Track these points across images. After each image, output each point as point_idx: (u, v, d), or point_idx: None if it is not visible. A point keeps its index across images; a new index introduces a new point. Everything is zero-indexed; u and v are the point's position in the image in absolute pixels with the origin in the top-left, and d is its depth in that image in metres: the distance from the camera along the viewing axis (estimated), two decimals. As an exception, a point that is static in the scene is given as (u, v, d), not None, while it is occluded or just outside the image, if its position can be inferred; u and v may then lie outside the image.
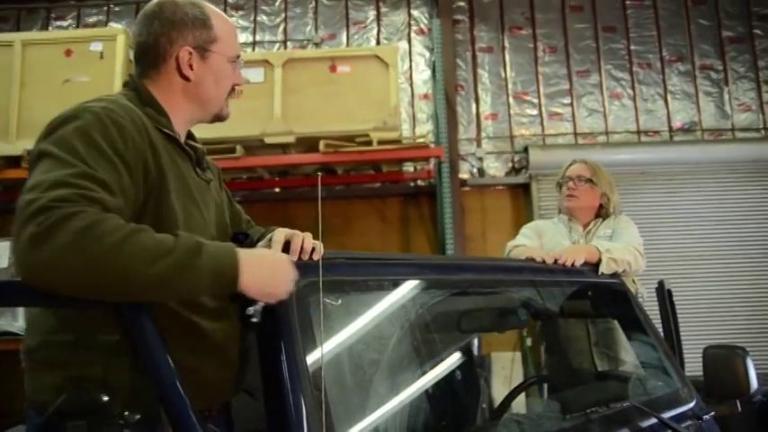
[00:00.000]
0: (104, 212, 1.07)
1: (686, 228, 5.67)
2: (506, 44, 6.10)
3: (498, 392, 5.59)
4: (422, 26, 6.18)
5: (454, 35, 6.05)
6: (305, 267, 1.27)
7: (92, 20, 6.30)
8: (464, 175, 5.90)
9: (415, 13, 6.22)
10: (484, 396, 1.93)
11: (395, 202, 5.97)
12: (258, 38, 6.22)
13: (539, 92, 5.98)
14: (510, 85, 6.02)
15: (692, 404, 1.87)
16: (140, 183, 1.22)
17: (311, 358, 1.13)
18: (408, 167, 5.95)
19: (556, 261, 2.01)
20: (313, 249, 1.33)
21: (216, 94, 1.45)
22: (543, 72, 6.03)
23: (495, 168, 5.94)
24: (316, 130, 4.93)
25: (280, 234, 1.33)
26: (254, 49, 6.11)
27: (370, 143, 4.92)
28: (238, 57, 1.48)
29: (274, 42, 6.21)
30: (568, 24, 6.10)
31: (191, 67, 1.39)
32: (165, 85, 1.40)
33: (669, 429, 1.62)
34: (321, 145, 4.92)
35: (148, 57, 1.40)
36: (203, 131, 5.32)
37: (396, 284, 1.41)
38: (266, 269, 1.19)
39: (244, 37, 6.22)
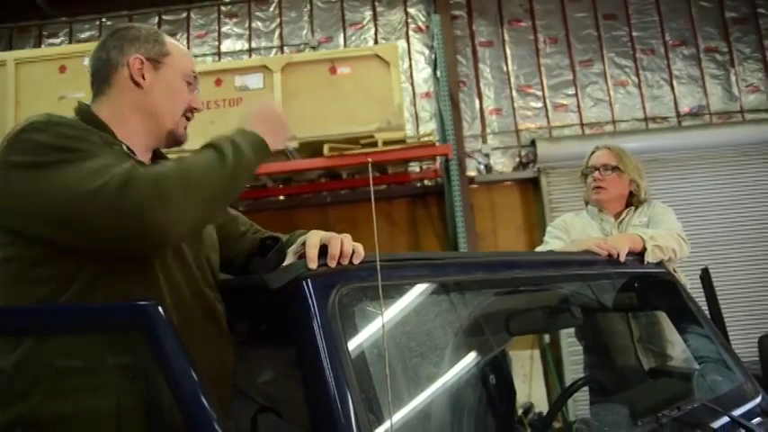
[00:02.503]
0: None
1: (699, 214, 5.57)
2: (506, 37, 6.00)
3: (520, 392, 5.49)
4: (419, 24, 6.08)
5: (453, 31, 5.96)
6: (345, 273, 1.15)
7: (84, 35, 6.18)
8: (471, 173, 5.80)
9: (411, 11, 6.12)
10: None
11: (402, 204, 5.86)
12: (254, 44, 6.12)
13: (542, 84, 5.89)
14: (513, 79, 5.92)
15: (758, 399, 1.74)
16: None
17: (360, 375, 1.01)
18: (414, 168, 5.85)
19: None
20: (353, 253, 1.22)
21: (168, 108, 1.44)
22: (545, 64, 5.93)
23: (503, 164, 5.83)
24: (319, 134, 4.81)
25: (315, 237, 1.22)
26: (250, 56, 6.01)
27: (375, 144, 4.81)
28: (195, 79, 1.50)
29: (271, 48, 6.10)
30: (568, 14, 6.01)
31: (142, 76, 1.40)
32: (115, 97, 1.40)
33: (742, 429, 1.50)
34: (325, 149, 4.81)
35: (101, 72, 1.42)
36: (201, 142, 5.18)
37: (445, 286, 1.30)
38: (269, 125, 1.39)
39: (240, 44, 6.13)
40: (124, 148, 1.33)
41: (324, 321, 1.05)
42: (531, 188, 5.70)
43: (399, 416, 1.06)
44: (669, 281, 2.02)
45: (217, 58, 6.08)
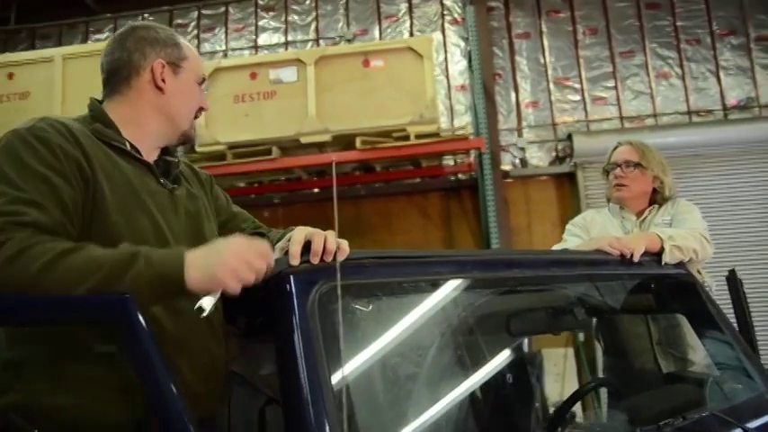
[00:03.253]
0: (36, 235, 1.10)
1: (744, 212, 5.35)
2: (544, 29, 5.87)
3: (552, 391, 5.39)
4: (455, 16, 6.01)
5: (489, 23, 5.87)
6: (327, 270, 1.15)
7: (127, 30, 6.36)
8: (506, 167, 5.72)
9: (447, 2, 6.06)
10: (535, 403, 1.77)
11: (436, 197, 5.83)
12: (290, 38, 6.17)
13: (580, 76, 5.74)
14: (550, 71, 5.79)
15: (782, 410, 1.66)
16: (81, 186, 1.23)
17: (335, 371, 1.01)
18: (449, 161, 5.81)
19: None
20: (338, 249, 1.21)
21: (185, 111, 1.48)
22: (584, 55, 5.78)
23: (539, 158, 5.73)
24: (351, 128, 4.83)
25: (300, 233, 1.23)
26: (286, 49, 6.06)
27: (407, 138, 4.79)
28: (204, 80, 1.53)
29: (306, 41, 6.14)
30: (609, 4, 5.83)
31: (164, 80, 1.43)
32: (135, 98, 1.42)
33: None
34: (358, 142, 4.82)
35: (121, 72, 1.42)
36: (236, 135, 5.23)
37: (434, 285, 1.28)
38: (211, 257, 1.12)
39: (276, 38, 6.19)
40: (127, 146, 1.37)
41: (302, 317, 1.06)
42: (567, 183, 5.58)
43: (369, 413, 1.06)
44: (689, 282, 1.94)
45: (254, 51, 6.16)
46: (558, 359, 5.35)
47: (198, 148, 4.89)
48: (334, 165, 1.49)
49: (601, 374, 2.46)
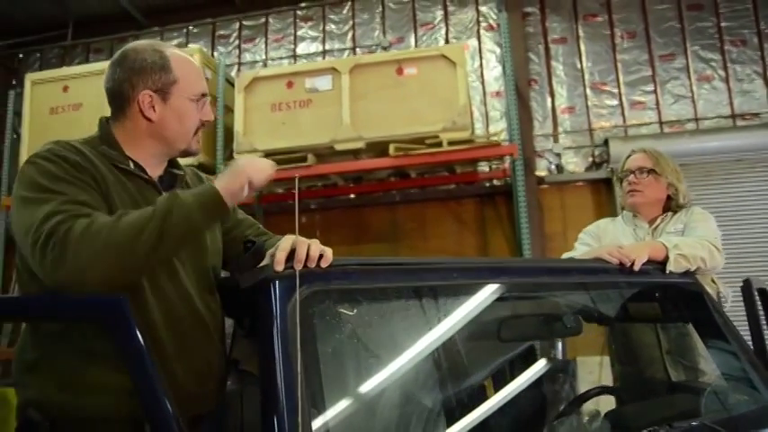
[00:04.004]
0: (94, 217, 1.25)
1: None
2: (581, 33, 5.82)
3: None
4: (491, 22, 6.02)
5: (525, 28, 5.85)
6: (310, 276, 1.22)
7: (173, 42, 6.64)
8: (541, 173, 5.68)
9: (483, 9, 6.07)
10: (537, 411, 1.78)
11: (471, 204, 5.84)
12: (328, 47, 6.31)
13: (618, 81, 5.66)
14: (587, 76, 5.73)
15: (786, 425, 1.63)
16: (100, 196, 1.36)
17: (311, 367, 1.09)
18: (483, 167, 5.81)
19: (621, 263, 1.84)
20: (321, 256, 1.28)
21: (180, 132, 1.54)
22: (622, 59, 5.69)
23: (575, 164, 5.67)
24: (385, 135, 4.91)
25: (286, 241, 1.30)
26: (323, 58, 6.20)
27: (440, 144, 4.84)
28: (203, 95, 1.56)
29: (343, 50, 6.27)
30: (648, 7, 5.73)
31: (153, 108, 1.48)
32: (130, 126, 1.50)
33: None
34: (391, 149, 4.90)
35: (115, 101, 1.51)
36: (273, 143, 5.40)
37: (414, 291, 1.34)
38: (234, 171, 1.37)
39: (314, 47, 6.34)
40: (130, 165, 1.48)
41: (283, 319, 1.13)
42: (603, 189, 5.50)
43: (340, 411, 1.13)
44: (695, 291, 1.92)
45: (292, 60, 6.32)
46: (593, 367, 5.26)
47: (236, 156, 5.06)
48: (297, 180, 1.56)
49: (605, 381, 2.45)
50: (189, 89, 1.52)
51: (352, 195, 6.08)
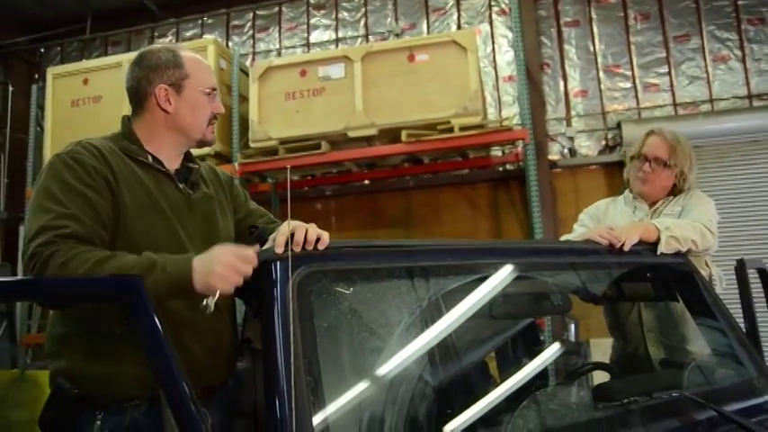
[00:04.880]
0: (77, 245, 1.36)
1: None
2: (594, 15, 5.79)
3: (599, 379, 5.35)
4: (503, 6, 6.01)
5: (537, 12, 5.84)
6: (308, 258, 1.31)
7: (189, 34, 6.75)
8: (554, 157, 5.70)
9: (495, -7, 6.07)
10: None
11: (484, 188, 5.88)
12: (340, 34, 6.36)
13: (631, 63, 5.63)
14: (600, 59, 5.71)
15: (769, 396, 1.68)
16: (110, 197, 1.48)
17: (308, 345, 1.17)
18: (496, 152, 5.84)
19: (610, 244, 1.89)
20: (319, 240, 1.37)
21: (194, 123, 1.67)
22: (636, 41, 5.66)
23: (588, 147, 5.67)
24: (397, 121, 4.95)
25: (286, 226, 1.38)
26: (336, 46, 6.25)
27: (451, 130, 4.88)
28: (214, 89, 1.70)
29: (356, 37, 6.31)
30: (662, -13, 5.68)
31: (169, 101, 1.62)
32: (149, 119, 1.64)
33: (733, 423, 1.47)
34: (403, 135, 4.95)
35: (135, 98, 1.66)
36: (287, 131, 5.49)
37: (406, 272, 1.41)
38: (206, 266, 1.31)
39: (327, 35, 6.40)
40: (149, 159, 1.61)
41: (283, 297, 1.22)
42: (616, 172, 5.49)
43: (336, 381, 1.22)
44: (686, 271, 1.97)
45: (306, 49, 6.39)
46: (606, 349, 5.28)
47: (251, 144, 5.16)
48: (289, 170, 1.63)
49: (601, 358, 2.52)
50: (200, 83, 1.67)
51: (367, 181, 6.16)
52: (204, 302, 1.27)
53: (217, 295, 1.29)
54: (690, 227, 2.07)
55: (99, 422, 1.42)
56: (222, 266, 1.28)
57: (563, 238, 2.44)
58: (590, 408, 1.46)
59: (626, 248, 1.90)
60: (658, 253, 1.97)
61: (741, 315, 2.01)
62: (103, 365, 1.44)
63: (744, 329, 1.92)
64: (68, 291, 1.23)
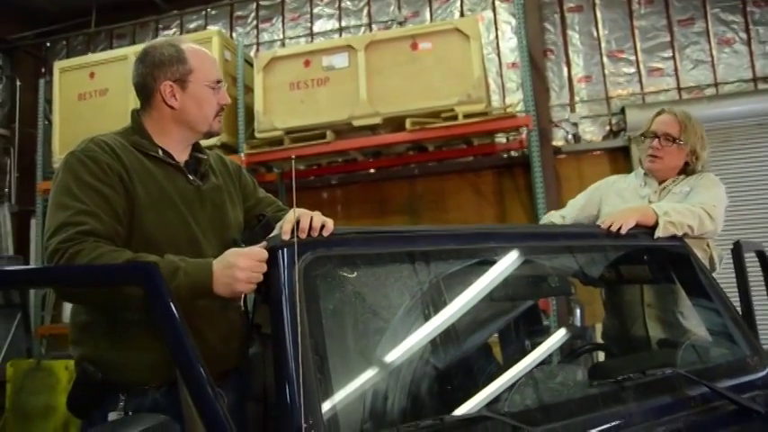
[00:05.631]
0: (100, 243, 1.41)
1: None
2: (597, 0, 5.77)
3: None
4: (506, -8, 6.00)
5: (540, -2, 5.82)
6: (313, 244, 1.36)
7: (192, 25, 6.78)
8: (558, 143, 5.71)
9: (497, -21, 6.05)
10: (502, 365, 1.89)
11: (489, 175, 5.90)
12: (344, 23, 6.36)
13: (635, 48, 5.62)
14: (603, 44, 5.70)
15: (762, 373, 1.73)
16: (124, 193, 1.53)
17: (315, 327, 1.22)
18: (501, 139, 5.85)
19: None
20: (323, 227, 1.41)
21: (201, 116, 1.70)
22: (640, 26, 5.64)
23: (592, 133, 5.68)
24: (401, 110, 4.98)
25: (292, 214, 1.43)
26: (340, 35, 6.27)
27: (455, 118, 4.90)
28: (219, 81, 1.72)
29: (360, 26, 6.32)
30: (666, -30, 5.65)
31: (174, 97, 1.65)
32: (156, 115, 1.68)
33: (724, 398, 1.52)
34: (407, 123, 4.98)
35: (142, 94, 1.70)
36: (292, 121, 5.54)
37: (407, 256, 1.46)
38: (228, 273, 1.38)
39: (330, 24, 6.41)
40: (159, 152, 1.65)
41: (290, 282, 1.28)
42: (621, 157, 5.52)
43: (342, 360, 1.27)
44: (683, 254, 2.00)
45: (309, 39, 6.40)
46: (611, 333, 5.34)
47: (257, 135, 5.21)
48: (293, 160, 1.68)
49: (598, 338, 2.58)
50: (204, 77, 1.70)
51: (372, 170, 6.19)
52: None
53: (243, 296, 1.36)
54: (688, 212, 2.09)
55: (122, 403, 1.51)
56: (244, 272, 1.35)
57: (547, 215, 2.50)
58: (585, 385, 1.51)
59: (623, 232, 1.93)
60: (655, 237, 2.00)
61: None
62: (124, 352, 1.52)
63: (740, 311, 1.96)
64: (88, 278, 1.28)
